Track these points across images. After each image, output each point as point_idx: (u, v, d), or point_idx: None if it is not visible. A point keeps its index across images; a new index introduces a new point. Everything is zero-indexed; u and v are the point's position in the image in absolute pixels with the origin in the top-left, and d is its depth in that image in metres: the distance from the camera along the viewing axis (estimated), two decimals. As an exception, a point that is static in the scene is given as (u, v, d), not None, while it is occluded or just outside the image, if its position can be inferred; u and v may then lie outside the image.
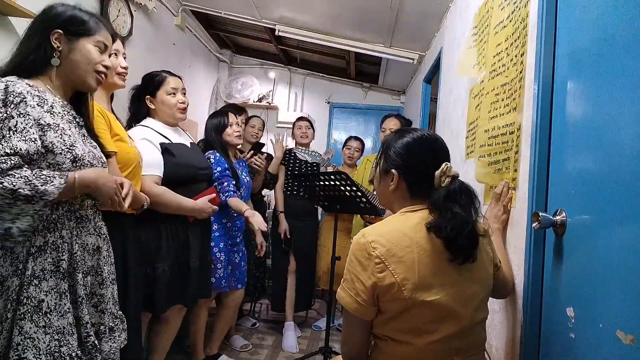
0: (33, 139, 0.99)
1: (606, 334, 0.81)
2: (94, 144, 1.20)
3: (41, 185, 0.96)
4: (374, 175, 2.78)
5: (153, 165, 1.70)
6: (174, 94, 1.85)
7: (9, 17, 1.84)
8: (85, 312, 1.09)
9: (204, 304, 2.23)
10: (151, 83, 1.84)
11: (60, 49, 1.11)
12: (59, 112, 1.09)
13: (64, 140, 1.05)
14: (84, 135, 1.17)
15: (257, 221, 1.98)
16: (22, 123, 0.98)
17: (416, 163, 1.05)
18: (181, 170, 1.82)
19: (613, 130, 0.85)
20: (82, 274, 1.09)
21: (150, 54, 2.96)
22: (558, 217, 1.01)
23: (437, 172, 1.00)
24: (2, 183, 0.91)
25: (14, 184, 0.92)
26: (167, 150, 1.78)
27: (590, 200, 0.91)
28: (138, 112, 1.86)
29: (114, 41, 1.26)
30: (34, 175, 0.96)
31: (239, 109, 2.88)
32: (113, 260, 1.29)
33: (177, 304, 1.84)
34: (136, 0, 2.73)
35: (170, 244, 1.77)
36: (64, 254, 1.05)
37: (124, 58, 1.58)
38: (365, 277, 0.96)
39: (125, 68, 1.56)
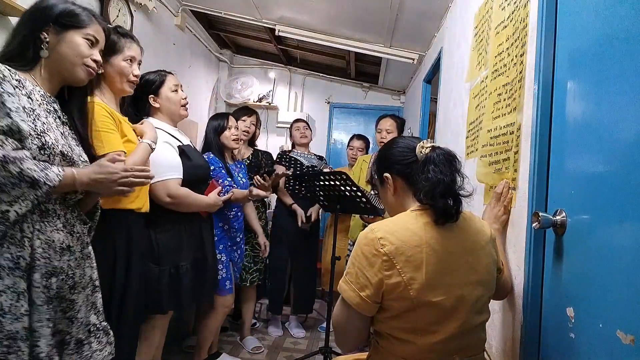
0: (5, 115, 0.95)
1: (606, 334, 0.81)
2: (77, 142, 1.17)
3: (41, 171, 0.94)
4: (370, 175, 2.78)
5: (175, 168, 1.76)
6: (176, 90, 1.89)
7: (9, 17, 1.84)
8: (35, 319, 0.97)
9: (222, 306, 2.25)
10: (152, 82, 1.85)
11: (47, 40, 1.09)
12: (37, 100, 1.06)
13: (35, 126, 1.00)
14: (64, 132, 1.12)
15: (258, 192, 2.21)
16: None
17: (398, 155, 1.10)
18: (197, 171, 1.91)
19: (613, 130, 0.85)
20: (40, 275, 0.99)
21: (150, 54, 2.95)
22: (558, 217, 1.01)
23: (417, 148, 1.05)
24: (8, 164, 0.90)
25: (21, 166, 0.92)
26: (183, 152, 1.83)
27: (590, 200, 0.91)
28: (138, 113, 1.86)
29: (107, 38, 1.23)
30: (34, 161, 0.96)
31: (248, 111, 2.88)
32: (94, 264, 1.20)
33: (199, 299, 1.95)
34: (136, 0, 2.73)
35: (190, 243, 1.84)
36: (23, 249, 0.97)
37: (139, 65, 1.58)
38: (372, 273, 0.95)
39: (136, 76, 1.56)
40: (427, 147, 1.04)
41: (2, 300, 0.94)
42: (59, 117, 1.13)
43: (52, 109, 1.11)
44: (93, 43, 1.16)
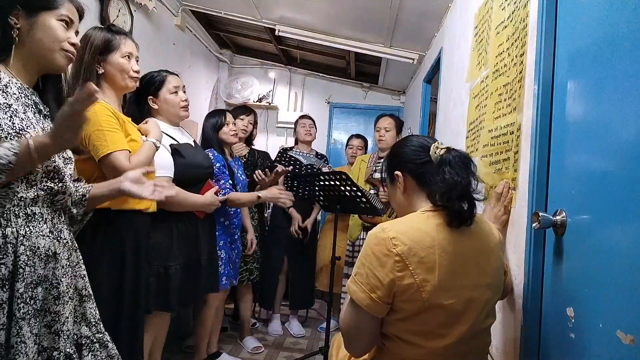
0: None
1: (606, 334, 0.81)
2: None
3: None
4: (370, 174, 2.79)
5: (164, 166, 1.74)
6: (176, 92, 1.87)
7: None
8: (15, 333, 0.88)
9: (214, 304, 2.24)
10: (152, 83, 1.84)
11: (18, 25, 0.97)
12: (14, 94, 0.95)
13: (13, 123, 0.90)
14: (45, 127, 1.02)
15: (274, 193, 2.13)
16: None
17: (411, 154, 1.08)
18: (191, 171, 1.87)
19: (613, 130, 0.85)
20: (25, 285, 0.90)
21: (150, 54, 2.96)
22: (558, 217, 1.01)
23: (431, 148, 1.03)
24: None
25: None
26: (176, 151, 1.81)
27: (590, 200, 0.91)
28: (138, 113, 1.85)
29: (80, 17, 1.10)
30: None
31: (246, 110, 2.87)
32: (83, 272, 1.11)
33: (190, 301, 1.91)
34: (136, 0, 2.73)
35: (181, 243, 1.81)
36: (6, 256, 0.88)
37: (137, 61, 1.57)
38: (383, 273, 0.93)
39: (137, 72, 1.55)
40: (442, 149, 1.02)
41: None
42: (40, 111, 1.03)
43: (31, 102, 1.01)
44: (68, 24, 1.04)
